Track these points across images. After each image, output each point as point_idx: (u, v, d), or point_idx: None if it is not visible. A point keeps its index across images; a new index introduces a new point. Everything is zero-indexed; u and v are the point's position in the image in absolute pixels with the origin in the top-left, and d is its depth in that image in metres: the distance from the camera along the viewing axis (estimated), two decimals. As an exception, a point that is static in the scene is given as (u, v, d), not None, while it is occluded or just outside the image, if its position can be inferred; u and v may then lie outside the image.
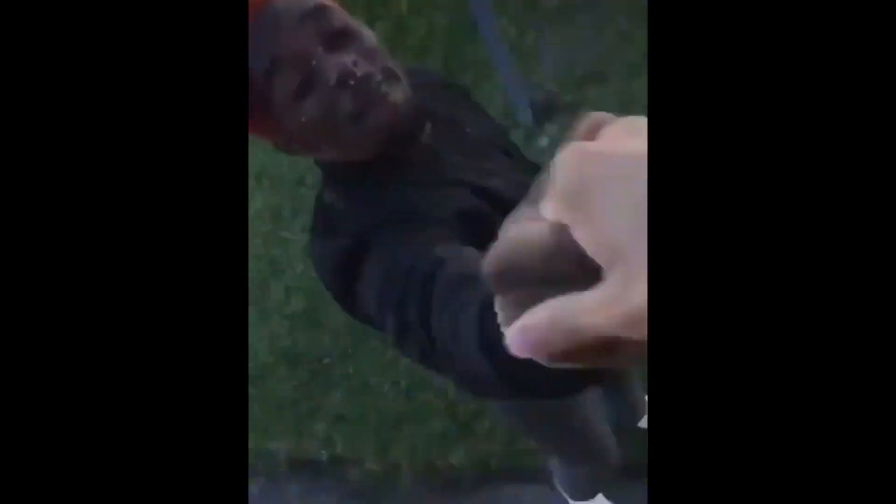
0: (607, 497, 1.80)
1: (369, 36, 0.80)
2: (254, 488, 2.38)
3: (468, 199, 0.83)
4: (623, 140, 0.32)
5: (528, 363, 0.32)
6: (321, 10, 0.76)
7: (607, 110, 0.36)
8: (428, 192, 0.82)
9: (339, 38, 0.77)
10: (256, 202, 3.11)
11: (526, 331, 0.30)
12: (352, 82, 0.75)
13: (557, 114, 2.66)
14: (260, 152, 2.90)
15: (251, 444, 2.37)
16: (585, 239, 0.29)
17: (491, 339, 0.58)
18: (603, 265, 0.29)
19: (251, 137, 0.77)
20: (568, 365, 0.31)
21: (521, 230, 0.32)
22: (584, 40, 2.79)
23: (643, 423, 1.81)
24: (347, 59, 0.76)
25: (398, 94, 0.78)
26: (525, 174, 0.93)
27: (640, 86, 2.52)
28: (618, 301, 0.28)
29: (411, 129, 0.82)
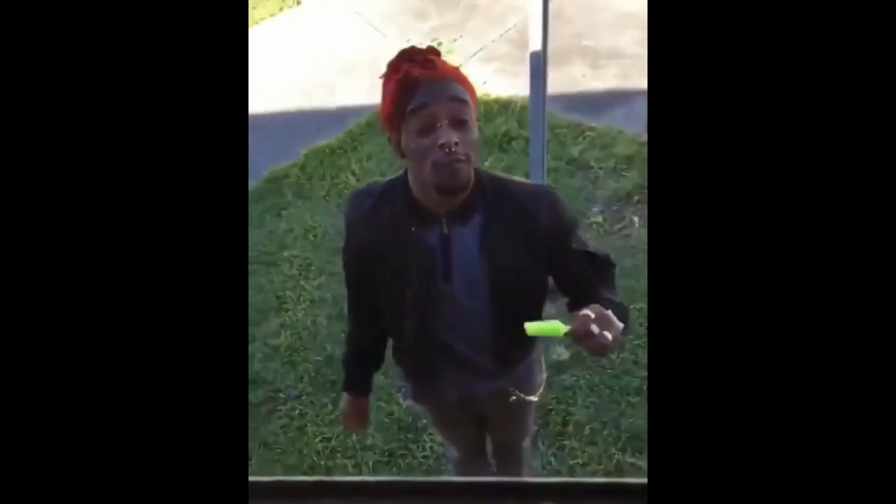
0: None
1: (473, 132, 1.35)
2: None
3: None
4: None
5: None
6: (462, 103, 1.33)
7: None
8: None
9: (459, 123, 1.33)
10: (293, 251, 3.38)
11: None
12: (447, 150, 1.30)
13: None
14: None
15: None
16: None
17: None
18: None
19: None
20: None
21: None
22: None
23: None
24: (455, 137, 1.31)
25: (462, 173, 1.33)
26: None
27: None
28: None
29: (451, 197, 1.39)
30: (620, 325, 1.23)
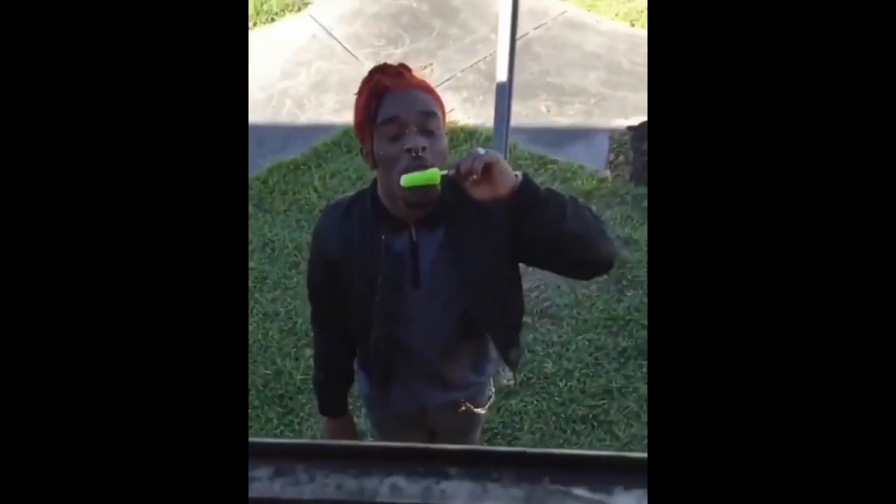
0: None
1: (442, 143, 1.38)
2: None
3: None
4: None
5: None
6: (431, 115, 1.36)
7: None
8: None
9: (427, 132, 1.35)
10: (250, 263, 3.35)
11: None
12: (413, 154, 1.32)
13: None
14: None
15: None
16: None
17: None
18: None
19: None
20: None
21: None
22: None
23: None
24: (423, 143, 1.32)
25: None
26: None
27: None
28: None
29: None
30: (511, 173, 1.24)
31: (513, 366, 1.70)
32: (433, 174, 1.31)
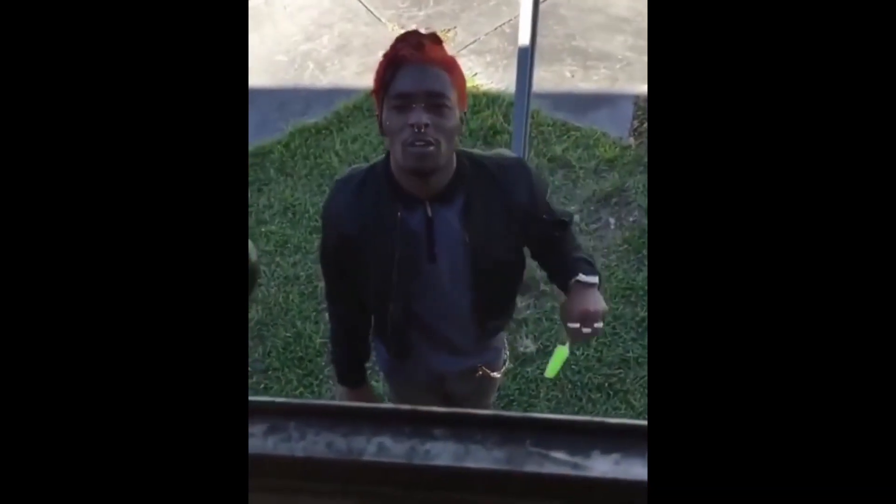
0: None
1: (451, 120, 1.38)
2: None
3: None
4: None
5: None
6: (441, 96, 1.37)
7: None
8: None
9: (435, 108, 1.36)
10: (271, 227, 3.40)
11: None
12: (416, 129, 1.34)
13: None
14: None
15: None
16: None
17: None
18: None
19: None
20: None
21: None
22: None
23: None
24: (427, 120, 1.34)
25: (428, 157, 1.36)
26: None
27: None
28: None
29: (422, 178, 1.42)
30: (602, 305, 1.45)
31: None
32: (563, 353, 1.54)
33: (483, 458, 0.42)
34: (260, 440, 0.46)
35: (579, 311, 1.41)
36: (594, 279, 1.47)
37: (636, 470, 0.40)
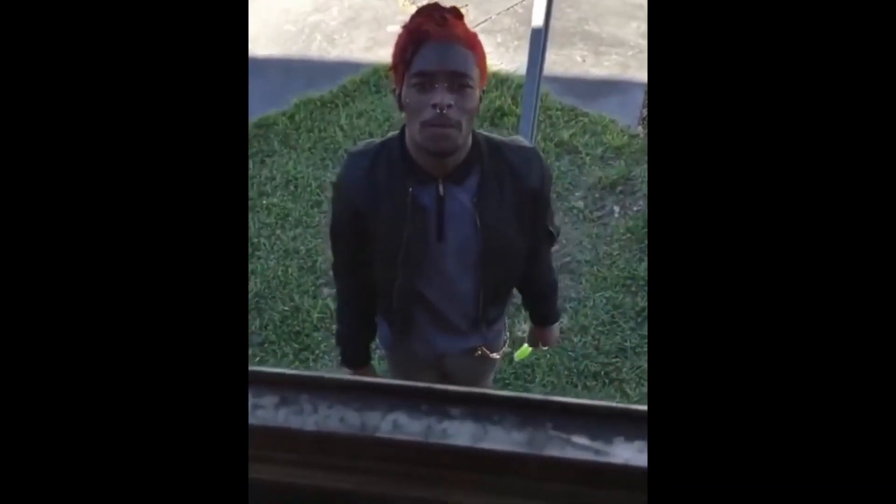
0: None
1: (472, 100, 1.36)
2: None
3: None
4: None
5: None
6: (464, 76, 1.33)
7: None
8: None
9: (458, 88, 1.33)
10: (272, 199, 3.36)
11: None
12: (438, 110, 1.31)
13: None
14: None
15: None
16: None
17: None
18: None
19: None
20: None
21: None
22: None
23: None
24: (450, 100, 1.32)
25: (449, 139, 1.35)
26: None
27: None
28: None
29: (439, 159, 1.40)
30: (558, 335, 1.97)
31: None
32: (527, 349, 2.03)
33: (502, 439, 0.41)
34: (271, 412, 0.44)
35: (544, 342, 1.94)
36: (558, 326, 1.91)
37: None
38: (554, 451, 0.39)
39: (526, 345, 2.05)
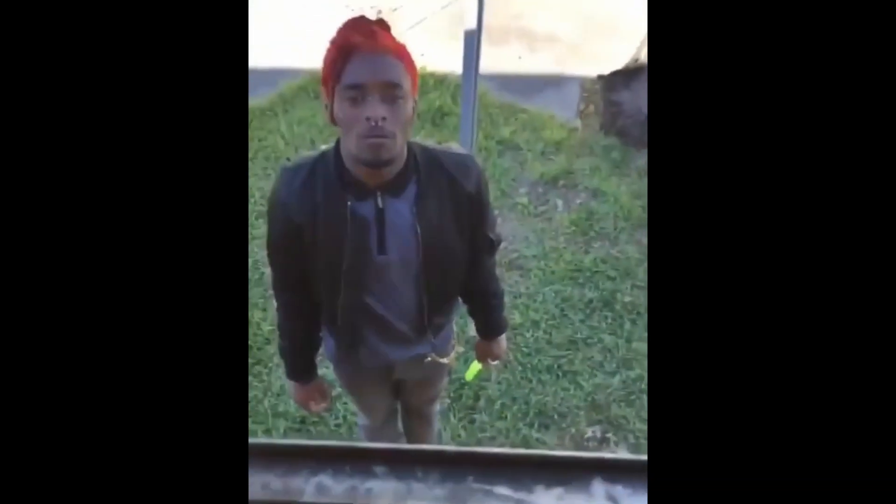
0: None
1: (405, 111, 1.35)
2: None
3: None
4: None
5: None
6: (396, 87, 1.33)
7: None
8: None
9: (390, 100, 1.33)
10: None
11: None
12: (372, 123, 1.31)
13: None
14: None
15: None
16: None
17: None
18: None
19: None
20: None
21: None
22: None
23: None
24: (383, 112, 1.31)
25: (385, 147, 1.34)
26: None
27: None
28: None
29: (376, 170, 1.39)
30: (505, 346, 1.93)
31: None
32: (477, 365, 2.00)
33: (425, 496, 0.41)
34: (192, 483, 0.44)
35: (492, 356, 1.93)
36: (504, 337, 1.89)
37: None
38: (475, 505, 0.40)
39: (475, 362, 2.01)
